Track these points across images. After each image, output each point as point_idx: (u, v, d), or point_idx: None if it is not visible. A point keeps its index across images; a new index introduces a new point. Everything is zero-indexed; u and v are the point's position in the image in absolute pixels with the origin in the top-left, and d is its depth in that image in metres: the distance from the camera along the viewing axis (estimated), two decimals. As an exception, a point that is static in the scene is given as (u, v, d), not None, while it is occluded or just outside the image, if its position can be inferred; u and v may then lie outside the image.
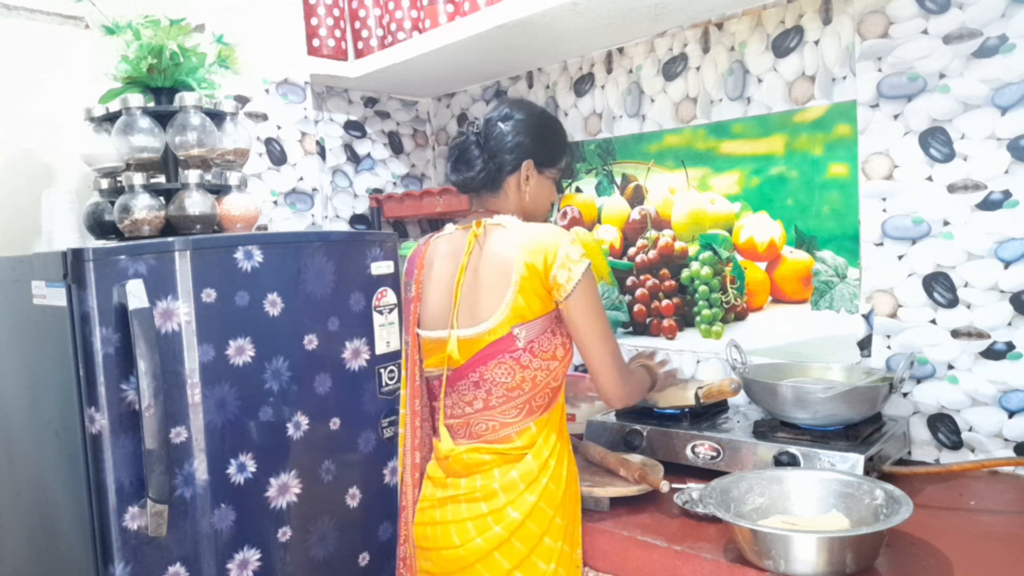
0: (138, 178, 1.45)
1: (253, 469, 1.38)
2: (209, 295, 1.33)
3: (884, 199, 1.62)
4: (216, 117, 1.58)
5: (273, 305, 1.41)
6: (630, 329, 2.13)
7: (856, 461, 1.36)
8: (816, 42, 1.70)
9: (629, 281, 2.12)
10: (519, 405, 1.33)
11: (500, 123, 1.40)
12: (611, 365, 1.33)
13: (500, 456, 1.33)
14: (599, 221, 2.18)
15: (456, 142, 1.45)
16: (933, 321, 1.57)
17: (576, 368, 2.28)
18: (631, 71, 2.06)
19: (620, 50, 2.09)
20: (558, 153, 1.46)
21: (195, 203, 1.46)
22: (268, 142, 2.15)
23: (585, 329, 1.30)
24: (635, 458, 1.54)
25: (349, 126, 2.49)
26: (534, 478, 1.31)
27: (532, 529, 1.29)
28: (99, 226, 1.58)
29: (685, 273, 1.99)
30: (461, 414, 1.37)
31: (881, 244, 1.63)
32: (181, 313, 1.30)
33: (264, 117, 2.13)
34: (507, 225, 1.36)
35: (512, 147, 1.39)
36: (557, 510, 1.31)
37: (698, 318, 1.97)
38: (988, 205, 1.48)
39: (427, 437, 1.46)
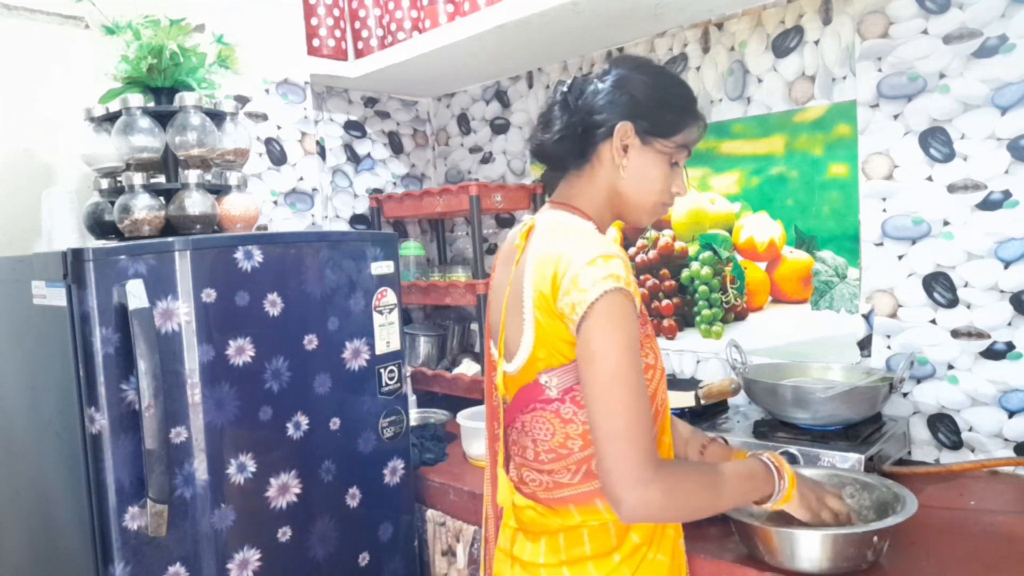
0: (138, 178, 1.45)
1: (253, 469, 1.38)
2: (209, 295, 1.33)
3: (884, 199, 1.62)
4: (216, 117, 1.58)
5: (273, 305, 1.41)
6: (630, 329, 2.13)
7: (856, 461, 1.36)
8: (816, 42, 1.70)
9: (629, 281, 2.12)
10: (571, 466, 1.02)
11: (597, 79, 1.07)
12: (603, 441, 0.92)
13: (573, 526, 1.04)
14: (599, 221, 2.18)
15: (544, 105, 1.14)
16: (933, 321, 1.57)
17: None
18: (631, 71, 2.06)
19: (620, 50, 2.09)
20: (677, 119, 1.06)
21: (195, 203, 1.46)
22: (268, 142, 2.14)
23: (588, 376, 0.94)
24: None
25: (349, 126, 2.49)
26: (629, 559, 1.02)
27: None
28: (99, 226, 1.58)
29: (685, 273, 1.99)
30: (518, 454, 1.10)
31: (881, 244, 1.63)
32: (181, 313, 1.30)
33: (264, 117, 2.13)
34: (539, 227, 1.06)
35: (605, 104, 1.04)
36: None
37: (698, 318, 1.97)
38: (988, 205, 1.48)
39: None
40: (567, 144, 1.07)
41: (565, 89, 1.09)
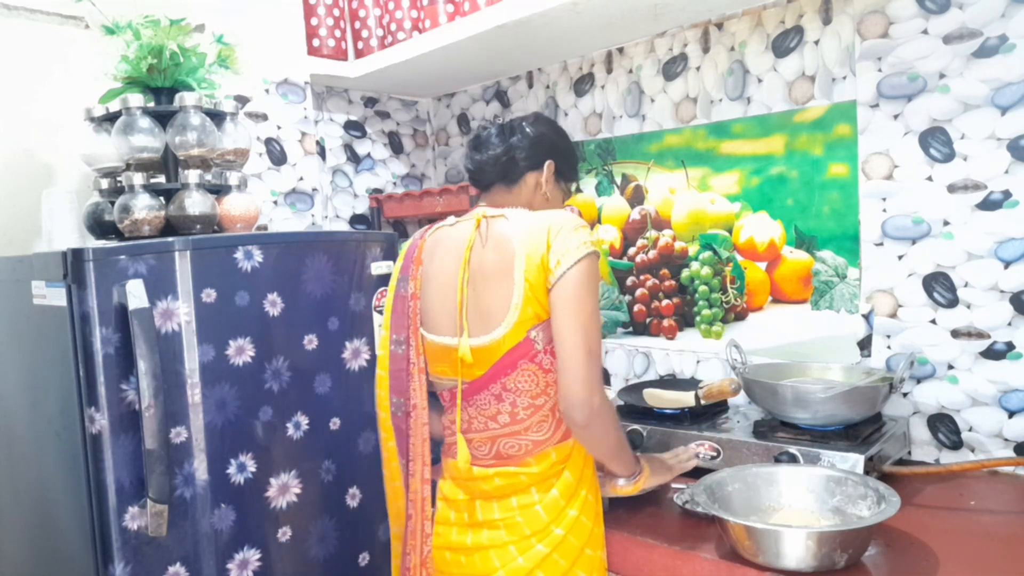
0: (138, 178, 1.45)
1: (253, 469, 1.38)
2: (209, 295, 1.33)
3: (884, 199, 1.62)
4: (216, 117, 1.58)
5: (273, 305, 1.41)
6: (630, 329, 2.13)
7: (856, 461, 1.36)
8: (816, 42, 1.70)
9: (629, 281, 2.12)
10: (546, 414, 1.24)
11: (525, 123, 1.36)
12: (581, 361, 1.14)
13: (538, 475, 1.25)
14: (599, 221, 2.18)
15: (477, 131, 1.40)
16: (933, 321, 1.57)
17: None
18: (631, 71, 2.06)
19: (620, 50, 2.09)
20: (575, 171, 1.42)
21: (195, 203, 1.46)
22: (268, 142, 2.15)
23: (564, 315, 1.15)
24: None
25: (349, 126, 2.49)
26: (573, 492, 1.26)
27: (573, 543, 1.24)
28: (99, 226, 1.58)
29: (685, 273, 1.99)
30: (483, 428, 1.27)
31: (881, 244, 1.63)
32: (181, 313, 1.30)
33: (264, 117, 2.13)
34: (510, 215, 1.26)
35: (535, 144, 1.33)
36: (595, 520, 1.28)
37: (698, 318, 1.97)
38: (988, 205, 1.48)
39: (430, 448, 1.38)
40: (506, 164, 1.32)
41: (502, 123, 1.38)
